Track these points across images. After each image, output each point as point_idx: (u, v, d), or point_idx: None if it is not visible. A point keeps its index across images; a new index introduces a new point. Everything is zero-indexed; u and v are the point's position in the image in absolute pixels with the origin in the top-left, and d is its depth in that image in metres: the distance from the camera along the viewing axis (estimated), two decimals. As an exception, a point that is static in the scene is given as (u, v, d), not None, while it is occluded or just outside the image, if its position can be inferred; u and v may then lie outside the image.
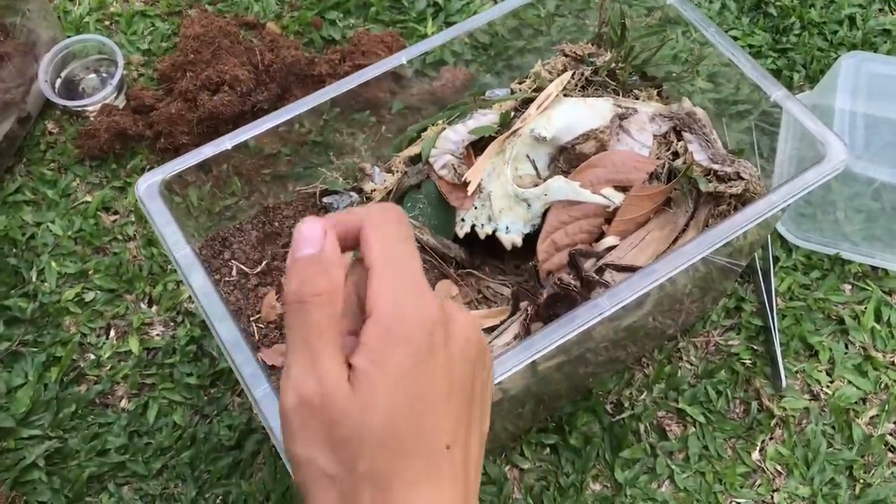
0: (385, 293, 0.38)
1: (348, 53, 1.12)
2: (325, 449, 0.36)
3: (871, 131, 0.98)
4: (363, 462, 0.36)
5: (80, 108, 1.09)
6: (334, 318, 0.38)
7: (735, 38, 1.17)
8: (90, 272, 1.00)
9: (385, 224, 0.40)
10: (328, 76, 1.11)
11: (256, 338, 0.75)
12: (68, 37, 1.14)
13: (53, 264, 1.00)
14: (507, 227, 0.80)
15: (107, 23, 1.22)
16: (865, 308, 0.96)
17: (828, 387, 0.92)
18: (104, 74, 1.14)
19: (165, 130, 1.05)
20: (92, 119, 1.08)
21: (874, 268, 0.99)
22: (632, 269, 0.74)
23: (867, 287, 0.98)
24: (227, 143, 0.74)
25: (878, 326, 0.95)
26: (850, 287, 0.98)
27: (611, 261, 0.76)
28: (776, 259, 0.99)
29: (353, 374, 0.37)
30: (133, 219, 1.04)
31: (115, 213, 1.05)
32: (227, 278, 0.77)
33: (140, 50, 1.18)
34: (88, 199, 1.06)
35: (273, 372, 0.72)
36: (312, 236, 0.39)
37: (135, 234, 1.03)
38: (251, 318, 0.76)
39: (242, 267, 0.78)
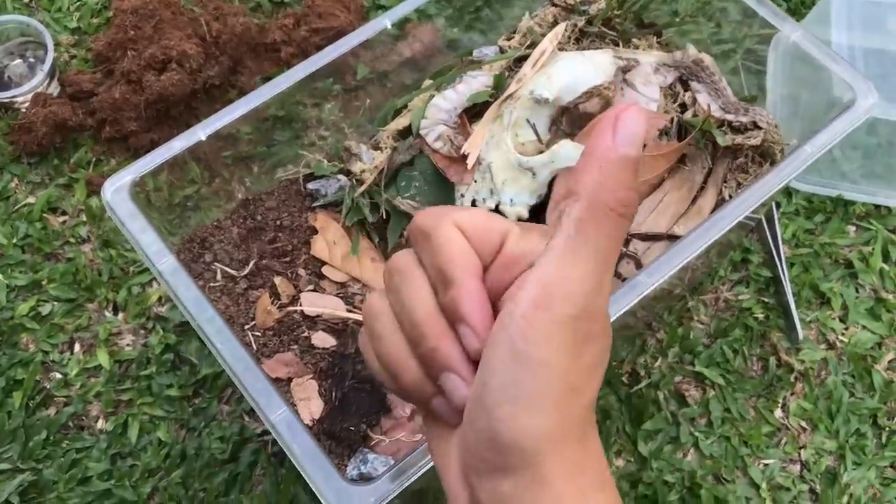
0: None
1: (302, 16, 1.03)
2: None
3: (866, 63, 0.93)
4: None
5: (8, 100, 0.98)
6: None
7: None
8: (44, 282, 0.90)
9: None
10: (283, 44, 1.01)
11: (254, 348, 0.67)
12: (-16, 19, 1.02)
13: (1, 277, 0.90)
14: (512, 200, 0.74)
15: (25, 0, 1.09)
16: (872, 249, 0.93)
17: (843, 334, 0.89)
18: (31, 59, 1.03)
19: (110, 118, 0.95)
20: (24, 111, 0.97)
21: (877, 206, 0.96)
22: (657, 238, 0.69)
23: (871, 227, 0.94)
24: (199, 133, 0.66)
25: (886, 267, 0.92)
26: (854, 228, 0.95)
27: (632, 229, 0.70)
28: (778, 204, 0.95)
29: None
30: (84, 218, 0.94)
31: (64, 213, 0.95)
32: (211, 284, 0.69)
33: (68, 29, 1.06)
34: (31, 200, 0.95)
35: (278, 385, 0.65)
36: (636, 133, 0.32)
37: (88, 236, 0.93)
38: (245, 327, 0.68)
39: (227, 269, 0.70)
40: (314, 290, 0.70)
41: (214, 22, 1.00)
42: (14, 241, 0.92)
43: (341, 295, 0.73)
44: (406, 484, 0.52)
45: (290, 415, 0.54)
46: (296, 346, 0.67)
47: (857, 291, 0.92)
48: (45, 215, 0.94)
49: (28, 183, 0.96)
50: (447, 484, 0.35)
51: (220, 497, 0.80)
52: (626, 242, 0.69)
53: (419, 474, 0.53)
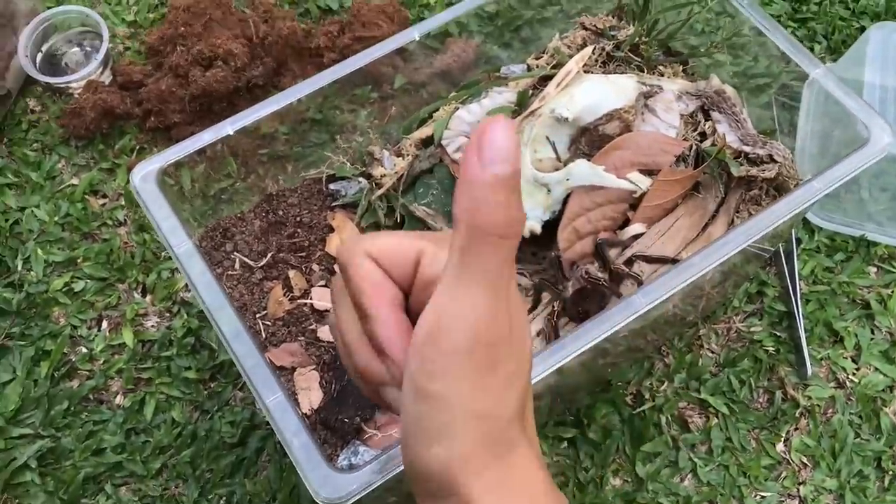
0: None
1: (347, 24, 1.06)
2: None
3: (898, 106, 0.93)
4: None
5: (63, 85, 1.03)
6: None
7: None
8: (79, 260, 0.95)
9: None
10: (326, 49, 1.05)
11: (263, 336, 0.70)
12: (48, 8, 1.07)
13: (40, 252, 0.94)
14: (526, 214, 0.76)
15: (89, -8, 1.15)
16: (892, 292, 0.93)
17: (854, 374, 0.89)
18: (88, 48, 1.08)
19: (155, 108, 0.99)
20: (76, 96, 1.02)
21: (900, 249, 0.95)
22: (663, 261, 0.70)
23: (893, 269, 0.94)
24: (227, 127, 0.69)
25: (904, 311, 0.92)
26: (875, 270, 0.95)
27: (639, 251, 0.71)
28: (798, 241, 0.95)
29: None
30: (123, 202, 0.98)
31: (104, 196, 0.99)
32: (229, 272, 0.72)
33: (126, 21, 1.11)
34: (75, 181, 1.00)
35: (282, 373, 0.68)
36: (504, 148, 0.30)
37: (125, 219, 0.98)
38: (256, 315, 0.71)
39: (246, 259, 0.73)
40: (325, 286, 0.73)
41: (262, 24, 1.03)
42: (55, 218, 0.97)
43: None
44: (389, 475, 0.54)
45: (284, 399, 0.57)
46: (302, 338, 0.70)
47: (873, 333, 0.91)
48: (86, 197, 0.99)
49: (74, 165, 1.01)
50: None
51: (226, 479, 0.83)
52: (631, 263, 0.70)
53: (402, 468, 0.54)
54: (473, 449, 0.32)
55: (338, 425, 0.66)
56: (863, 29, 1.08)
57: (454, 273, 0.31)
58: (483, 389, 0.32)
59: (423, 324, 0.32)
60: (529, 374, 0.35)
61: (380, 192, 0.76)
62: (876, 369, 0.89)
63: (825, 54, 1.09)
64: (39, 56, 1.06)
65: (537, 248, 0.80)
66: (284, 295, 0.72)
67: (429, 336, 0.31)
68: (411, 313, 0.36)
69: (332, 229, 0.77)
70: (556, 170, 0.75)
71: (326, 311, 0.71)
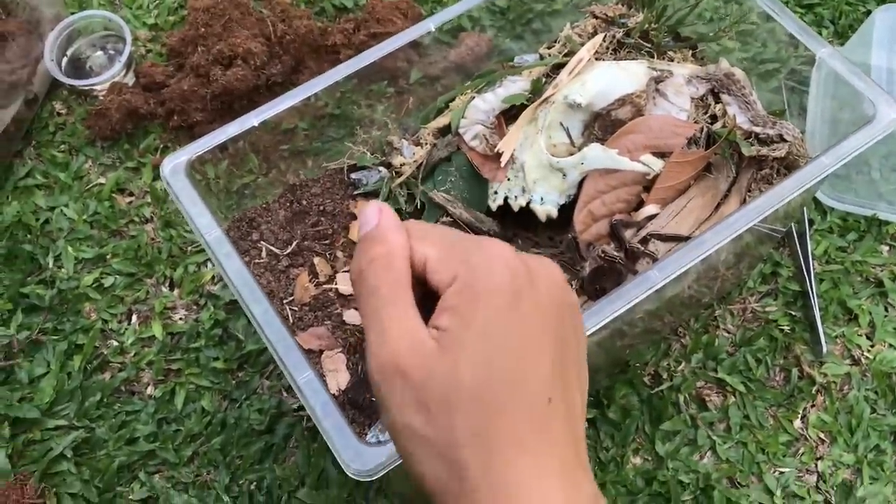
0: (453, 259, 0.36)
1: (362, 22, 1.09)
2: (419, 412, 0.34)
3: (907, 87, 0.95)
4: (461, 421, 0.33)
5: (88, 88, 1.06)
6: (398, 281, 0.36)
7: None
8: (108, 256, 0.97)
9: (414, 224, 0.39)
10: (343, 46, 1.07)
11: (290, 321, 0.72)
12: (72, 13, 1.10)
13: (70, 249, 0.97)
14: (542, 199, 0.78)
15: (110, -3, 1.18)
16: (905, 269, 0.94)
17: (869, 351, 0.91)
18: (111, 51, 1.11)
19: (178, 108, 1.02)
20: (101, 98, 1.05)
21: (912, 228, 0.97)
22: (677, 239, 0.72)
23: (905, 248, 0.95)
24: (252, 119, 0.72)
25: (917, 288, 0.93)
26: (887, 248, 0.96)
27: (654, 230, 0.73)
28: (811, 222, 0.97)
29: (439, 335, 0.35)
30: (149, 200, 1.01)
31: (131, 194, 1.02)
32: (256, 260, 0.75)
33: (147, 25, 1.14)
34: (102, 181, 1.03)
35: (310, 356, 0.70)
36: (370, 217, 0.38)
37: (152, 216, 1.00)
38: (284, 301, 0.73)
39: (272, 248, 0.75)
40: (349, 272, 0.75)
41: (280, 23, 1.06)
42: (84, 217, 0.99)
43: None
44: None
45: (314, 378, 0.59)
46: (329, 322, 0.72)
47: (887, 310, 0.93)
48: (113, 195, 1.01)
49: (100, 165, 1.04)
50: None
51: (255, 465, 0.86)
52: (646, 242, 0.72)
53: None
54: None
55: (365, 404, 0.68)
56: (869, 12, 1.10)
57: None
58: (398, 405, 0.36)
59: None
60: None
61: (400, 180, 0.78)
62: (890, 345, 0.91)
63: (833, 38, 1.10)
64: (65, 60, 1.09)
65: (554, 231, 0.82)
66: (310, 281, 0.74)
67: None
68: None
69: (354, 217, 0.79)
70: (571, 155, 0.77)
71: (350, 295, 0.74)
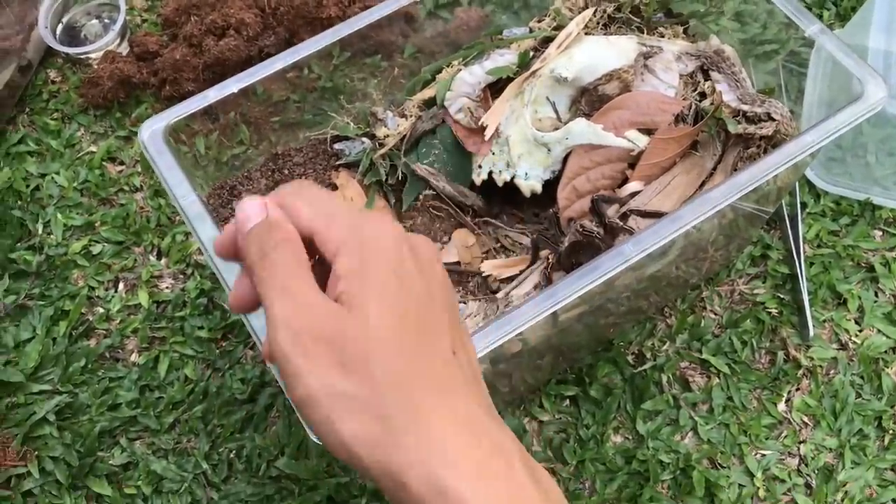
0: (338, 228, 0.37)
1: (358, -5, 1.08)
2: (340, 372, 0.34)
3: (905, 70, 0.93)
4: (382, 373, 0.34)
5: (82, 56, 1.06)
6: (302, 261, 0.37)
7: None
8: (97, 224, 0.98)
9: (299, 187, 0.40)
10: (337, 19, 1.06)
11: (267, 289, 0.72)
12: (68, -19, 1.10)
13: (59, 216, 0.97)
14: (527, 173, 0.77)
15: (108, -33, 1.18)
16: (896, 255, 0.93)
17: (856, 336, 0.90)
18: (106, 20, 1.10)
19: (170, 77, 1.02)
20: (95, 66, 1.05)
21: (906, 213, 0.95)
22: (657, 215, 0.71)
23: (898, 233, 0.94)
24: (232, 86, 0.71)
25: (909, 274, 0.92)
26: (880, 233, 0.95)
27: (635, 207, 0.72)
28: (804, 205, 0.96)
29: (341, 299, 0.36)
30: (139, 169, 1.01)
31: (121, 163, 1.02)
32: (236, 228, 0.75)
33: (143, -6, 1.14)
34: (93, 149, 1.03)
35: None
36: (255, 210, 0.39)
37: (141, 185, 1.00)
38: (262, 269, 0.73)
39: (252, 216, 0.75)
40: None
41: (275, -6, 1.06)
42: (74, 184, 1.00)
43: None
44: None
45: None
46: (306, 291, 0.72)
47: (877, 296, 0.92)
48: (104, 163, 1.01)
49: (92, 133, 1.04)
50: None
51: (236, 433, 0.86)
52: (626, 218, 0.71)
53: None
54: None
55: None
56: (872, -5, 1.08)
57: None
58: (311, 367, 0.36)
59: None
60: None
61: (382, 151, 0.78)
62: (879, 331, 0.90)
63: (834, 21, 1.09)
64: (59, 27, 1.09)
65: (538, 207, 0.82)
66: (288, 250, 0.74)
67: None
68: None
69: (335, 188, 0.78)
70: (556, 129, 0.76)
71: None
